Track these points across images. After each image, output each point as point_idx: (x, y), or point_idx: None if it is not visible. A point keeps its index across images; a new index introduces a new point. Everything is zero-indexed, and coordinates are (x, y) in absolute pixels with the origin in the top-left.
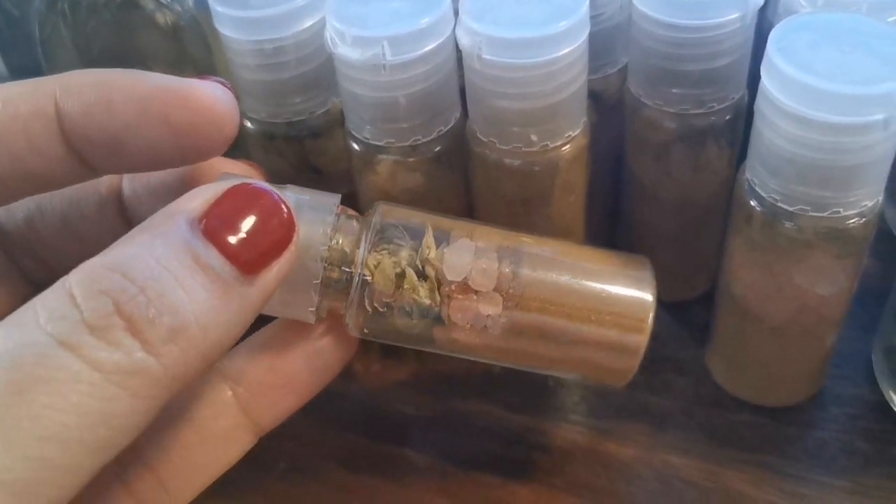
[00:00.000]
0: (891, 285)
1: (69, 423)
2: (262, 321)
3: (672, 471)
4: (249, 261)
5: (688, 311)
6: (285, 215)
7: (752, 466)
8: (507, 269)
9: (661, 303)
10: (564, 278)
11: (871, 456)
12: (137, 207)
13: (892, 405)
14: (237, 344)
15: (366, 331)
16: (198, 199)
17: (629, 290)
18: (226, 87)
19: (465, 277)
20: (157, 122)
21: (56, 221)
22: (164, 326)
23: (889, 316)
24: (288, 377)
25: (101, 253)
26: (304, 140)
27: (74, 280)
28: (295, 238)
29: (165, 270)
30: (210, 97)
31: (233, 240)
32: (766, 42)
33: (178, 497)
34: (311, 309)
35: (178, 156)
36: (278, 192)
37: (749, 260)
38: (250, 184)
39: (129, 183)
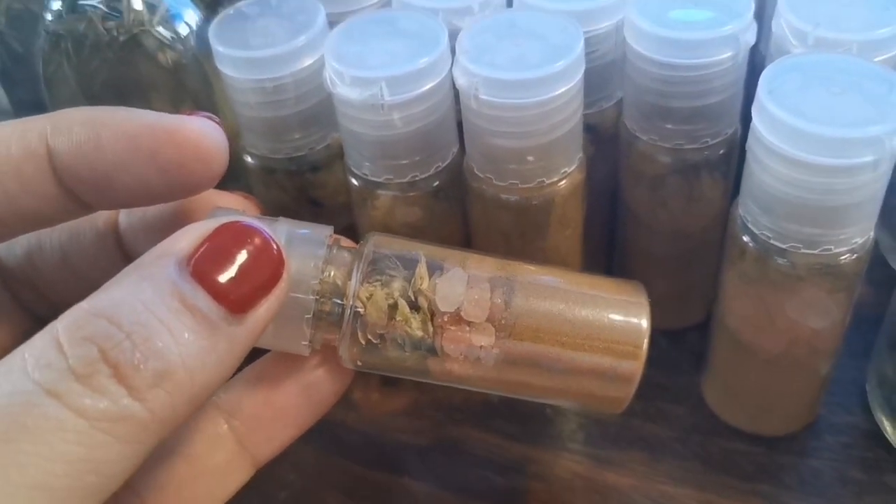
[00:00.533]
0: (884, 312)
1: (57, 472)
2: (257, 353)
3: (668, 500)
4: (238, 300)
5: (683, 339)
6: (275, 252)
7: (748, 495)
8: (500, 300)
9: (657, 331)
10: (557, 306)
11: (865, 485)
12: (134, 241)
13: (885, 434)
14: (232, 377)
15: (359, 363)
16: (186, 239)
17: (623, 317)
18: (214, 121)
19: (458, 308)
20: (146, 159)
21: (55, 256)
22: (149, 371)
23: (882, 345)
24: (283, 410)
25: (90, 297)
26: (304, 174)
27: (61, 326)
28: (284, 275)
29: (151, 314)
30: (197, 133)
31: (221, 279)
32: (758, 76)
33: None
34: (304, 342)
35: (168, 192)
36: (268, 229)
37: (743, 293)
38: (239, 221)
39: (126, 217)
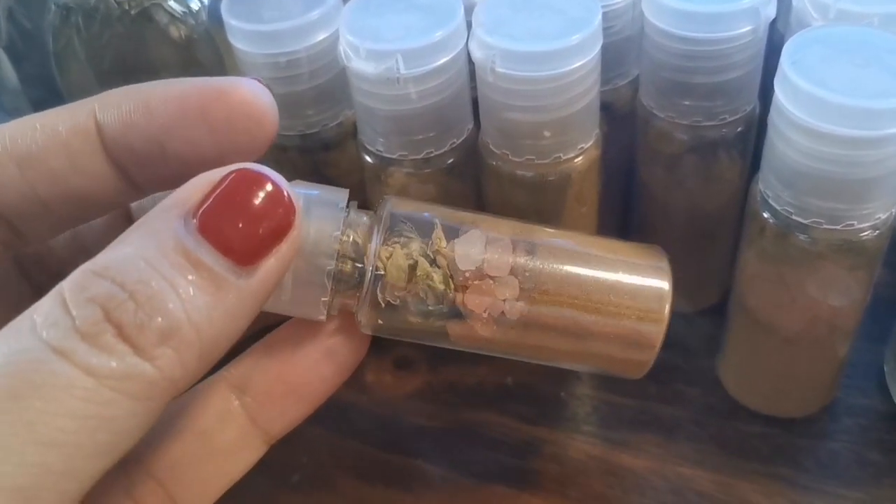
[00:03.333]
0: None
1: (66, 428)
2: (270, 328)
3: (685, 482)
4: (246, 251)
5: (699, 322)
6: (286, 199)
7: (765, 478)
8: (521, 258)
9: (673, 314)
10: (579, 268)
11: (883, 467)
12: None
13: None
14: (243, 351)
15: (380, 321)
16: (191, 190)
17: (645, 280)
18: (261, 83)
19: (478, 267)
20: (196, 118)
21: (66, 234)
22: (154, 330)
23: None
24: (296, 385)
25: (96, 256)
26: (316, 152)
27: (66, 286)
28: (296, 222)
29: (155, 271)
30: (247, 92)
31: (228, 231)
32: (777, 54)
33: None
34: (322, 306)
35: (219, 156)
36: (277, 176)
37: (762, 271)
38: (247, 168)
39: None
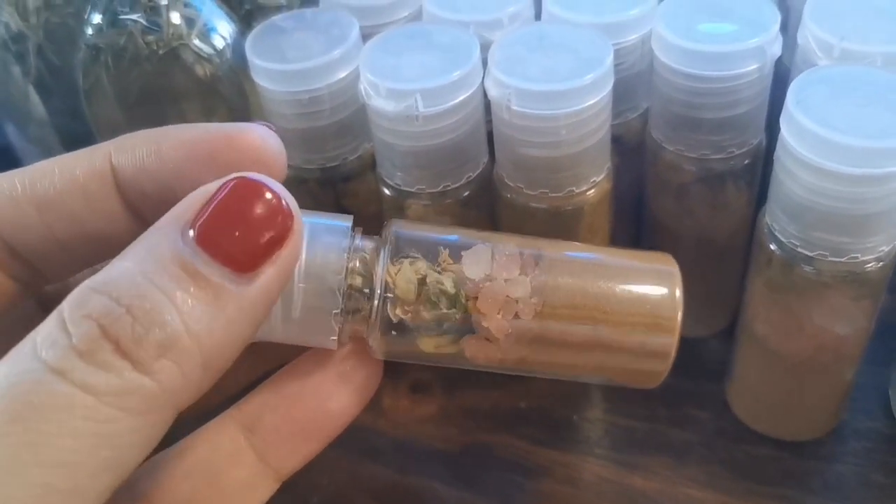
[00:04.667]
0: None
1: (68, 448)
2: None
3: None
4: (245, 260)
5: (709, 346)
6: (284, 206)
7: (773, 500)
8: (530, 267)
9: (682, 339)
10: (588, 279)
11: (887, 488)
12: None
13: None
14: (253, 389)
15: (391, 344)
16: (189, 203)
17: (656, 287)
18: (270, 129)
19: (487, 275)
20: (205, 163)
21: (85, 271)
22: (151, 343)
23: None
24: (304, 423)
25: (96, 274)
26: (336, 184)
27: (66, 305)
28: (296, 227)
29: (151, 285)
30: (256, 137)
31: (225, 239)
32: (783, 86)
33: None
34: (333, 333)
35: None
36: (275, 183)
37: (769, 300)
38: (244, 177)
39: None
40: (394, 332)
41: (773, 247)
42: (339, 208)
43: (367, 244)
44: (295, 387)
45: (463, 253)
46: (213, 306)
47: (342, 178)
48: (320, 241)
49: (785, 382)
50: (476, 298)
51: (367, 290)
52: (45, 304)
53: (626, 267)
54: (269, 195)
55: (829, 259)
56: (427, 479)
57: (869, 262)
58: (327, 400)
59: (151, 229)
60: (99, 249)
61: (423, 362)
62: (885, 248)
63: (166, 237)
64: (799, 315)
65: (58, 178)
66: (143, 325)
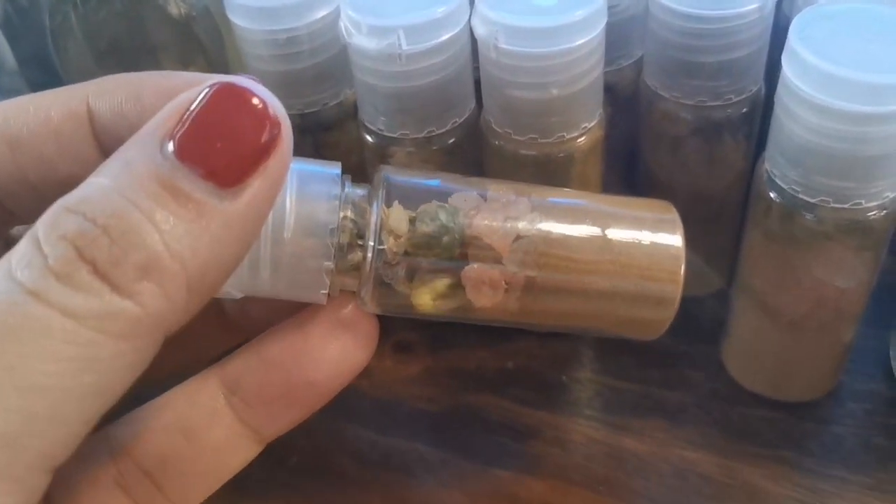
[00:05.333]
0: None
1: (48, 372)
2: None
3: (688, 466)
4: (229, 172)
5: (702, 307)
6: (271, 112)
7: (769, 461)
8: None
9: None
10: (588, 227)
11: (889, 451)
12: None
13: None
14: (237, 348)
15: (384, 295)
16: (167, 113)
17: (658, 235)
18: (255, 81)
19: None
20: None
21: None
22: (130, 265)
23: None
24: (284, 391)
25: (71, 192)
26: (315, 132)
27: (40, 225)
28: (284, 134)
29: (129, 203)
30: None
31: (207, 153)
32: (782, 36)
33: None
34: (323, 285)
35: None
36: (261, 88)
37: (767, 252)
38: (226, 82)
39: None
40: (387, 277)
41: (772, 194)
42: (319, 158)
43: (358, 192)
44: (277, 351)
45: (450, 199)
46: (196, 224)
47: (322, 126)
48: (309, 190)
49: (782, 340)
50: (471, 226)
51: (359, 242)
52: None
53: (626, 215)
54: (254, 101)
55: (832, 206)
56: (410, 440)
57: (872, 210)
58: (309, 368)
59: (128, 142)
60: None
61: (416, 315)
62: (890, 195)
63: (143, 151)
64: (798, 268)
65: (32, 118)
66: (121, 246)
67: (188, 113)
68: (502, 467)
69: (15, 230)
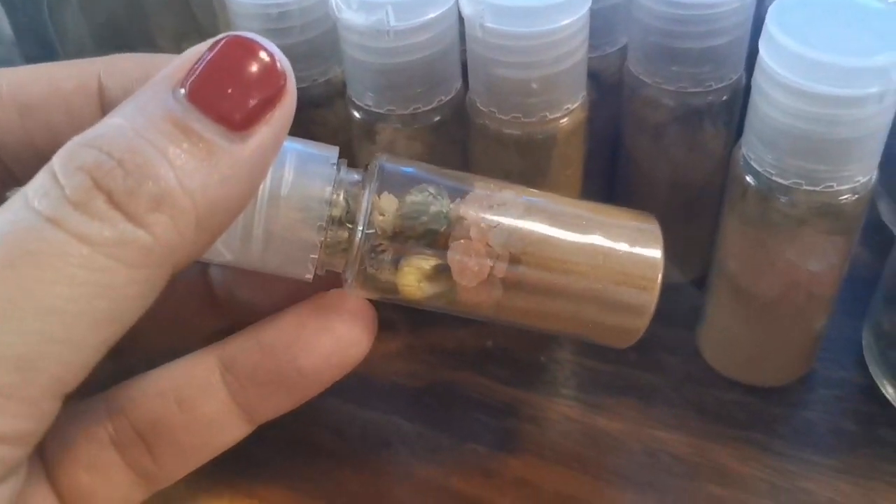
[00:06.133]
0: (880, 275)
1: (64, 295)
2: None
3: (660, 445)
4: (238, 117)
5: (681, 293)
6: (278, 66)
7: (740, 443)
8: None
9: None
10: (570, 229)
11: (858, 436)
12: None
13: (881, 388)
14: (228, 332)
15: (370, 273)
16: (180, 62)
17: (638, 246)
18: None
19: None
20: None
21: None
22: (144, 195)
23: (879, 299)
24: (275, 377)
25: (86, 131)
26: (304, 109)
27: (56, 158)
28: (289, 87)
29: (144, 140)
30: None
31: (218, 97)
32: (761, 28)
33: (167, 470)
34: (310, 263)
35: None
36: (269, 43)
37: (743, 236)
38: (237, 35)
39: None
40: (373, 257)
41: (748, 178)
42: (307, 136)
43: (353, 177)
44: (272, 336)
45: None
46: (206, 162)
47: (310, 103)
48: (306, 170)
49: (755, 324)
50: (458, 209)
51: (349, 225)
52: None
53: (609, 222)
54: (262, 53)
55: (805, 188)
56: (389, 414)
57: (844, 194)
58: (301, 357)
59: (141, 90)
60: None
61: (401, 300)
62: (861, 179)
63: (156, 95)
64: (771, 251)
65: (44, 87)
66: (136, 178)
67: (199, 61)
68: (478, 442)
69: (10, 192)
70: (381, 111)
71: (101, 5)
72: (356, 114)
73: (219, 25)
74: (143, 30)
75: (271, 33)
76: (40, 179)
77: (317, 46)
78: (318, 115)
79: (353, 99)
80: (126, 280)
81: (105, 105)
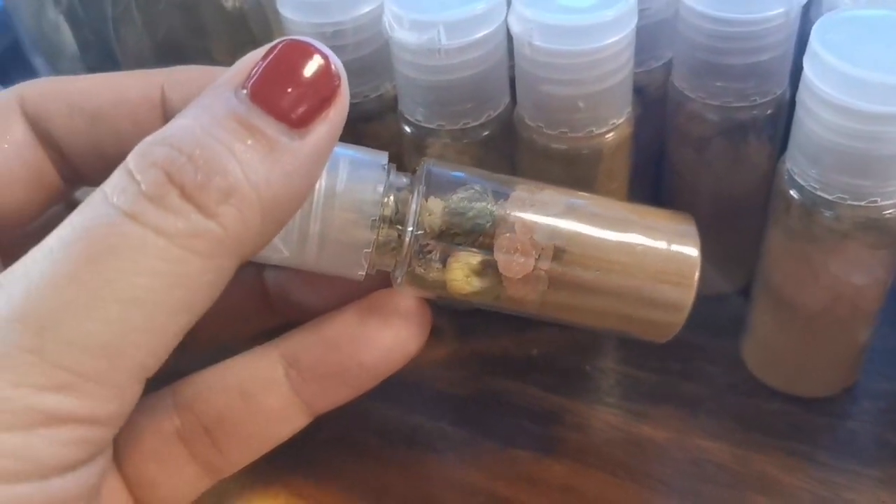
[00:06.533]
0: None
1: (144, 286)
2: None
3: (704, 454)
4: (297, 115)
5: (724, 304)
6: (332, 68)
7: (783, 453)
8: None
9: (699, 295)
10: (611, 228)
11: None
12: None
13: None
14: (300, 325)
15: (419, 271)
16: (240, 66)
17: (675, 245)
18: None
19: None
20: None
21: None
22: (213, 189)
23: None
24: (337, 370)
25: (156, 132)
26: (356, 123)
27: (130, 158)
28: (343, 88)
29: (210, 137)
30: None
31: (277, 96)
32: (806, 43)
33: (231, 461)
34: (363, 263)
35: None
36: (323, 46)
37: (787, 249)
38: (293, 39)
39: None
40: (422, 265)
41: (792, 192)
42: None
43: (402, 180)
44: (335, 332)
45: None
46: (269, 157)
47: (362, 117)
48: (358, 173)
49: (799, 336)
50: (503, 208)
51: (399, 227)
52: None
53: (649, 223)
54: (317, 56)
55: (849, 203)
56: (435, 420)
57: (888, 209)
58: (363, 351)
59: (205, 92)
60: None
61: (449, 297)
62: None
63: (220, 96)
64: (815, 265)
65: (113, 96)
66: (205, 172)
67: (259, 64)
68: (523, 448)
69: (79, 193)
70: (431, 126)
71: (161, 22)
72: (407, 129)
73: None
74: (202, 46)
75: None
76: (116, 177)
77: (369, 63)
78: (371, 130)
79: (405, 114)
80: (200, 269)
81: (167, 114)
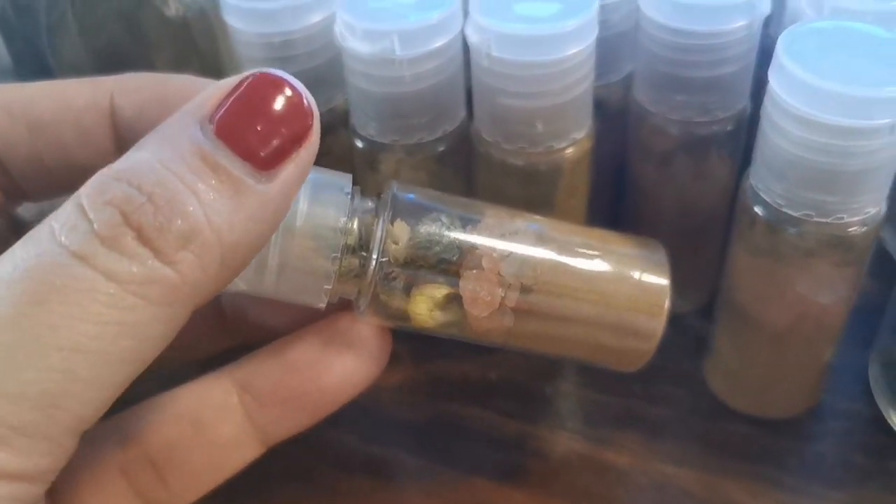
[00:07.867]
0: (887, 304)
1: (89, 334)
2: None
3: (668, 480)
4: (265, 156)
5: (685, 323)
6: (305, 105)
7: (749, 477)
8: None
9: None
10: (580, 257)
11: (868, 469)
12: None
13: (888, 420)
14: (254, 350)
15: (382, 299)
16: (208, 95)
17: (646, 274)
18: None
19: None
20: None
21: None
22: (173, 233)
23: (886, 329)
24: (295, 394)
25: (113, 163)
26: None
27: (84, 192)
28: (315, 126)
29: (173, 175)
30: None
31: (246, 135)
32: (769, 56)
33: (177, 496)
34: (324, 293)
35: None
36: (296, 81)
37: (751, 267)
38: (265, 72)
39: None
40: (385, 286)
41: (757, 209)
42: None
43: (366, 205)
44: (293, 355)
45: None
46: (234, 200)
47: None
48: (320, 198)
49: (764, 355)
50: (470, 238)
51: (363, 253)
52: (16, 227)
53: (618, 251)
54: (289, 91)
55: (815, 220)
56: (392, 448)
57: (854, 226)
58: (322, 375)
59: (167, 121)
60: (84, 180)
61: (412, 328)
62: (871, 211)
63: (185, 129)
64: (780, 283)
65: (55, 104)
66: (165, 214)
67: (228, 96)
68: (483, 476)
69: (21, 209)
70: (384, 141)
71: (100, 31)
72: (359, 143)
73: (219, 52)
74: (143, 56)
75: (274, 61)
76: (67, 212)
77: (320, 75)
78: (322, 145)
79: (356, 128)
80: (150, 318)
81: (117, 123)
